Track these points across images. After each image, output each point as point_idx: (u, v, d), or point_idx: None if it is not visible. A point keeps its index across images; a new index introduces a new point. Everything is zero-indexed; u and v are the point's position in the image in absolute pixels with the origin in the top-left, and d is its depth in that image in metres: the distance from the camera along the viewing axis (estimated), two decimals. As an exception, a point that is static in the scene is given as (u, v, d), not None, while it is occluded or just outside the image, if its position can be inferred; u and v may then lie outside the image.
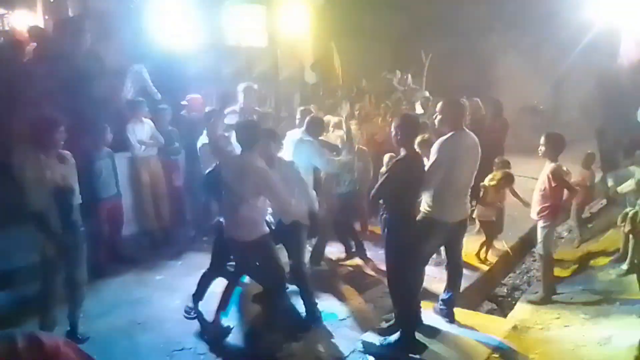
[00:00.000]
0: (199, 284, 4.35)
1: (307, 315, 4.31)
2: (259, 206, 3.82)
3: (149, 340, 4.06)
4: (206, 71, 7.29)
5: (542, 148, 4.69)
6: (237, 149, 4.01)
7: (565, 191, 4.74)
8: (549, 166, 4.67)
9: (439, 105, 4.03)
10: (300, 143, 4.64)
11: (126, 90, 6.55)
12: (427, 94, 10.21)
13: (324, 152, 4.83)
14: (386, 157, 5.35)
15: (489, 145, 5.06)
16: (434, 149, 3.85)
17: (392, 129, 3.76)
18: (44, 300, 3.78)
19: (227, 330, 4.17)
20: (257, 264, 4.02)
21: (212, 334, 4.14)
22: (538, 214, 4.75)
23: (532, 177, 5.37)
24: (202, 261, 4.55)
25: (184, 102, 6.58)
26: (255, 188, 3.72)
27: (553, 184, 4.59)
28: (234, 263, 4.36)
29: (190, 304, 4.38)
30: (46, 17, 7.16)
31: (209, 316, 4.25)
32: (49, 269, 3.75)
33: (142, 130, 5.90)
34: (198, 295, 4.35)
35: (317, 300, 4.40)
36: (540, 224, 4.76)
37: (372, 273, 5.33)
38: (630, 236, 5.14)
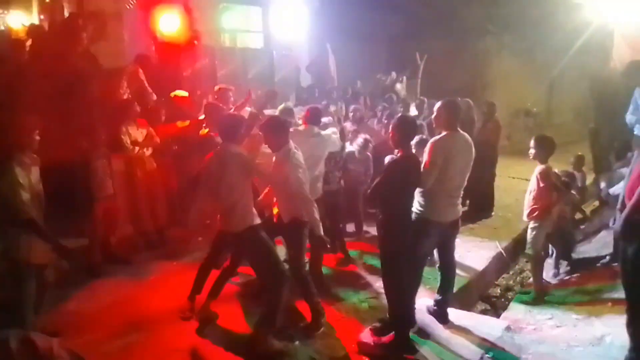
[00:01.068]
0: (196, 278, 4.40)
1: (312, 315, 4.21)
2: (244, 196, 3.86)
3: (144, 340, 4.05)
4: (203, 71, 7.29)
5: (532, 151, 4.75)
6: None
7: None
8: (538, 168, 4.73)
9: (437, 105, 4.07)
10: (310, 137, 4.73)
11: (122, 91, 6.52)
12: (398, 86, 10.26)
13: (330, 134, 5.02)
14: (387, 159, 5.37)
15: (482, 146, 5.09)
16: (427, 149, 3.89)
17: (389, 130, 3.80)
18: (22, 305, 3.64)
19: (214, 316, 4.26)
20: (249, 256, 4.05)
21: (201, 320, 4.19)
22: (528, 215, 4.81)
23: (526, 179, 5.42)
24: (197, 261, 4.55)
25: (172, 94, 6.55)
26: (237, 175, 3.79)
27: (541, 185, 4.65)
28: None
29: (187, 305, 4.40)
30: (42, 17, 7.15)
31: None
32: (26, 275, 3.62)
33: (135, 131, 5.87)
34: (195, 291, 4.38)
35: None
36: (531, 224, 4.83)
37: (367, 273, 5.34)
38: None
